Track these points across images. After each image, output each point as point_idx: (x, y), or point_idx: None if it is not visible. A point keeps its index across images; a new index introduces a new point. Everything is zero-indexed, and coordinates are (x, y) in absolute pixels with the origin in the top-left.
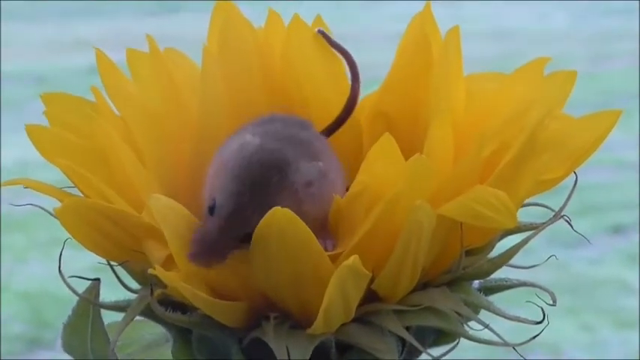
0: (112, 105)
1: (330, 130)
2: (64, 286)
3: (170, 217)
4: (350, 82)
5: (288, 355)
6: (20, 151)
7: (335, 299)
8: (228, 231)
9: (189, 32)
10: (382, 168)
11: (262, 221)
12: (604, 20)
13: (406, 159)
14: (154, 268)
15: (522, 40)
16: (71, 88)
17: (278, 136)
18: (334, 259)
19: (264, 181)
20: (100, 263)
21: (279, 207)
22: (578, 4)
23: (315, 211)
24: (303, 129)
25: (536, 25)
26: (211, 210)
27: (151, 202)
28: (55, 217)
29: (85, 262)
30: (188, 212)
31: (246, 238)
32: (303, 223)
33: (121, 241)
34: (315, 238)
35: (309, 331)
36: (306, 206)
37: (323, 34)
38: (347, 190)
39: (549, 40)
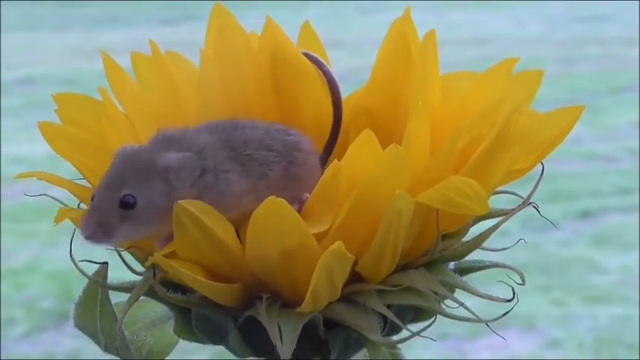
0: (117, 104)
1: (329, 145)
2: (90, 265)
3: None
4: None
5: (280, 332)
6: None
7: (321, 281)
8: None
9: (199, 38)
10: (361, 159)
11: (257, 209)
12: (574, 27)
13: None
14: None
15: (501, 45)
16: (94, 90)
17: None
18: (319, 239)
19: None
20: (108, 249)
21: (273, 197)
22: (552, 13)
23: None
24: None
25: (513, 32)
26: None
27: None
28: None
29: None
30: None
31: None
32: (294, 211)
33: None
34: (304, 223)
35: (299, 309)
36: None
37: (306, 55)
38: None
39: (525, 45)
